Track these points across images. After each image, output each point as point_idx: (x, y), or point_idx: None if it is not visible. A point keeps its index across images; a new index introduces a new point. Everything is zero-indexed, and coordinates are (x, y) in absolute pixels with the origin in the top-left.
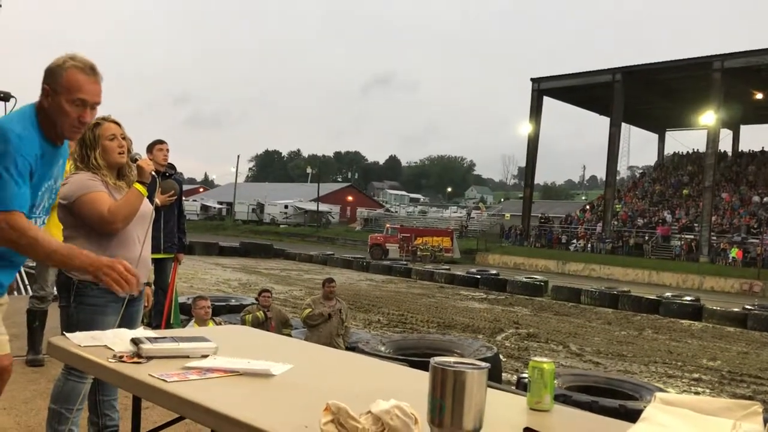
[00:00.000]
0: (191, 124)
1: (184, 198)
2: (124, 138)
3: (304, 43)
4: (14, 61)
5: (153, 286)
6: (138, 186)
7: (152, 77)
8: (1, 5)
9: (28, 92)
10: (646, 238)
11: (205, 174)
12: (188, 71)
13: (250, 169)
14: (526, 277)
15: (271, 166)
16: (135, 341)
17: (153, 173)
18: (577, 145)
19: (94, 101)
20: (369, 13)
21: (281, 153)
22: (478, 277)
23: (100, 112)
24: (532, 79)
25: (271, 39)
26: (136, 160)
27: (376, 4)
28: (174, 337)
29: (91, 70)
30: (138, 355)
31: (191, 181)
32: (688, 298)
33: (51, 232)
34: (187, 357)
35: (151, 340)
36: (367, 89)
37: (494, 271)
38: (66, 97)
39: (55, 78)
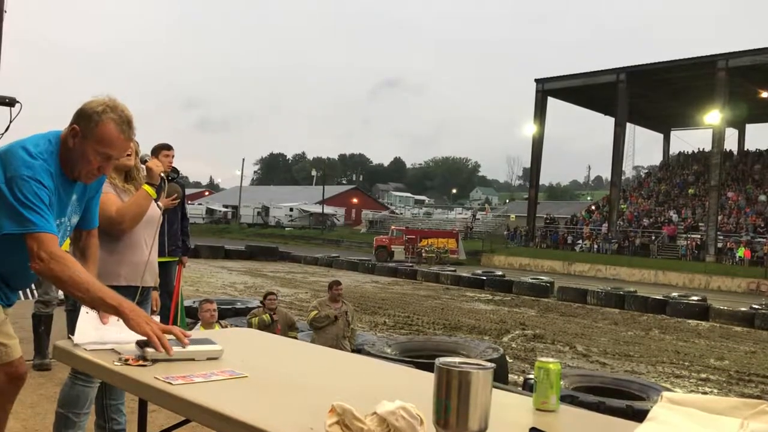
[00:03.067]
0: (198, 128)
1: (188, 201)
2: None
3: (313, 46)
4: (19, 67)
5: (159, 290)
6: (146, 187)
7: (160, 80)
8: (6, 11)
9: (33, 97)
10: (653, 238)
11: (211, 177)
12: (197, 75)
13: (255, 172)
14: (531, 278)
15: (276, 169)
16: (140, 344)
17: (162, 174)
18: (582, 145)
19: (118, 157)
20: (377, 17)
21: (286, 156)
22: (484, 278)
23: None
24: (536, 80)
25: (280, 41)
26: (146, 161)
27: (384, 7)
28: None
29: (127, 126)
30: (143, 358)
31: (196, 184)
32: (695, 298)
33: None
34: (192, 360)
35: None
36: (372, 92)
37: (500, 273)
38: (94, 147)
39: (88, 123)
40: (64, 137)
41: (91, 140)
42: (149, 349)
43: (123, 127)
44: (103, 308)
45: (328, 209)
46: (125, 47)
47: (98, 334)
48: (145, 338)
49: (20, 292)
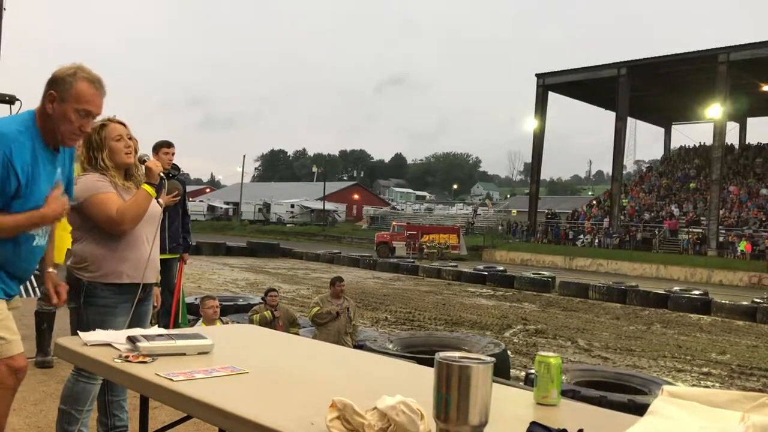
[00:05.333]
0: (199, 125)
1: (189, 198)
2: (130, 138)
3: (314, 44)
4: (19, 65)
5: (161, 287)
6: (146, 187)
7: (162, 79)
8: (6, 8)
9: (33, 95)
10: (654, 232)
11: (212, 174)
12: (199, 73)
13: (256, 168)
14: (533, 273)
15: (277, 166)
16: (131, 339)
17: (161, 174)
18: (583, 140)
19: (97, 113)
20: (379, 15)
21: (287, 152)
22: (485, 273)
23: (111, 110)
24: (536, 75)
25: (282, 39)
26: (144, 161)
27: (385, 6)
28: (170, 335)
29: (99, 84)
30: (142, 354)
31: (198, 181)
32: (697, 292)
33: (56, 233)
34: (184, 354)
35: (147, 338)
36: (372, 89)
37: (501, 268)
38: (73, 106)
39: (64, 86)
40: (40, 108)
41: (70, 100)
42: (141, 344)
43: (96, 84)
44: (24, 229)
45: (329, 205)
46: (127, 46)
47: (106, 333)
48: (135, 334)
49: (22, 289)
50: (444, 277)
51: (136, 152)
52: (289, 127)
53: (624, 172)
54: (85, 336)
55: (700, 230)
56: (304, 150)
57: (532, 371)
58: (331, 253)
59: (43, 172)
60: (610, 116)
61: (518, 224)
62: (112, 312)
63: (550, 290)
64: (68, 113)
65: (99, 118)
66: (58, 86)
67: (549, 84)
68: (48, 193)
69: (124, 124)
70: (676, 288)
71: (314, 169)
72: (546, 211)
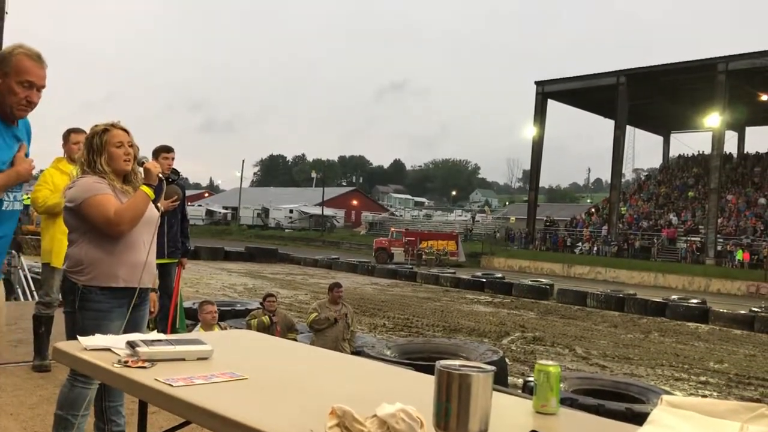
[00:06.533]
0: (198, 129)
1: (188, 203)
2: (131, 146)
3: (318, 48)
4: None
5: (158, 292)
6: (144, 188)
7: (162, 82)
8: (8, 12)
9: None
10: (653, 240)
11: (210, 179)
12: (198, 77)
13: (255, 173)
14: (531, 281)
15: (276, 171)
16: (131, 344)
17: (160, 176)
18: (582, 147)
19: (40, 84)
20: (380, 19)
21: (286, 157)
22: (484, 280)
23: (112, 114)
24: (536, 83)
25: (283, 44)
26: (143, 163)
27: (385, 11)
28: (170, 340)
29: (37, 57)
30: (141, 359)
31: (196, 186)
32: (695, 301)
33: (56, 236)
34: (183, 359)
35: (147, 342)
36: (371, 95)
37: (500, 275)
38: (15, 79)
39: (5, 63)
40: None
41: (12, 75)
42: (140, 349)
43: (34, 57)
44: (2, 188)
45: (328, 211)
46: (127, 48)
47: (106, 338)
48: (134, 339)
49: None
50: (442, 283)
51: (134, 158)
52: (289, 132)
53: (623, 180)
54: (85, 341)
55: (699, 239)
56: (303, 155)
57: (530, 379)
58: (329, 259)
59: (6, 141)
60: (609, 124)
61: (513, 231)
62: (107, 317)
63: (548, 298)
64: (12, 86)
65: (103, 122)
66: (1, 64)
67: (548, 91)
68: (11, 159)
69: (126, 131)
70: (674, 296)
71: (313, 175)
72: (544, 218)
